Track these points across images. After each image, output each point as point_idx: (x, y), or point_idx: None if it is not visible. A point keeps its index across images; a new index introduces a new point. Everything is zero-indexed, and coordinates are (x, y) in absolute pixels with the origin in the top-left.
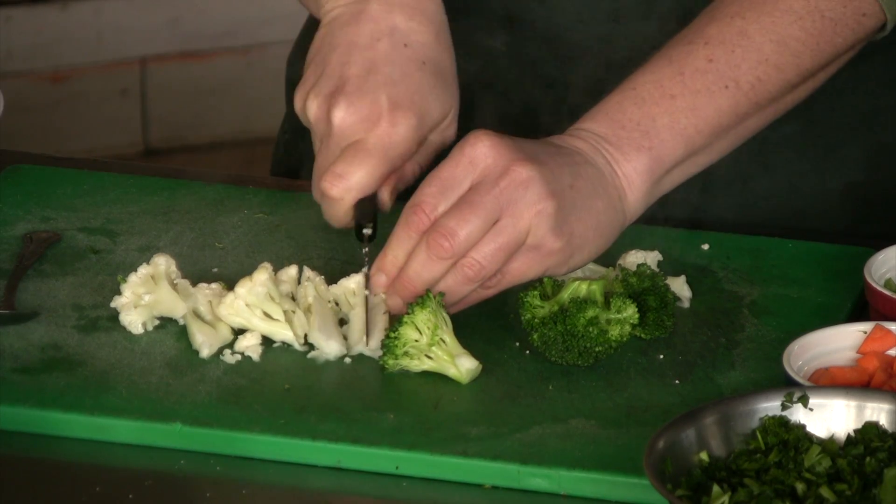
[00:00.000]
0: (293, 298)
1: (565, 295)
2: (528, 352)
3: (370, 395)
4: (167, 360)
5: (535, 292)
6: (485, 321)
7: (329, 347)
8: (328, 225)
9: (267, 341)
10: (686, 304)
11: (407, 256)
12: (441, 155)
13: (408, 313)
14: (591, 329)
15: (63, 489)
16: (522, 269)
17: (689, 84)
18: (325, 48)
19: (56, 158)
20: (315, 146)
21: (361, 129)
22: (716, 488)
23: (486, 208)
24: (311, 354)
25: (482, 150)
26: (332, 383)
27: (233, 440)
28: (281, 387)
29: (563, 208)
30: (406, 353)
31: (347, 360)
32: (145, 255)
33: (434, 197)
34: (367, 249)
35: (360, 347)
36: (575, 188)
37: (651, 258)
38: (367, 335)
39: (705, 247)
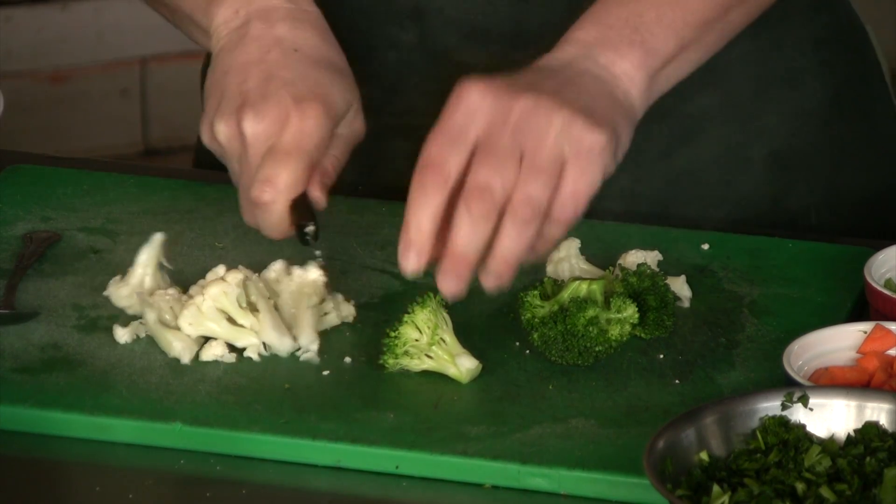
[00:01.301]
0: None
1: (565, 295)
2: (528, 352)
3: (370, 395)
4: (167, 360)
5: (536, 292)
6: (485, 321)
7: (283, 344)
8: (327, 224)
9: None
10: (686, 304)
11: (432, 221)
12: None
13: (408, 312)
14: (591, 329)
15: (63, 489)
16: (583, 180)
17: None
18: (218, 75)
19: (56, 158)
20: (233, 170)
21: (273, 131)
22: (716, 488)
23: (507, 151)
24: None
25: (476, 96)
26: (332, 383)
27: (233, 440)
28: (281, 386)
29: (583, 111)
30: (406, 353)
31: (347, 359)
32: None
33: (442, 151)
34: (319, 252)
35: (314, 346)
36: (581, 95)
37: (651, 258)
38: (296, 332)
39: (705, 247)
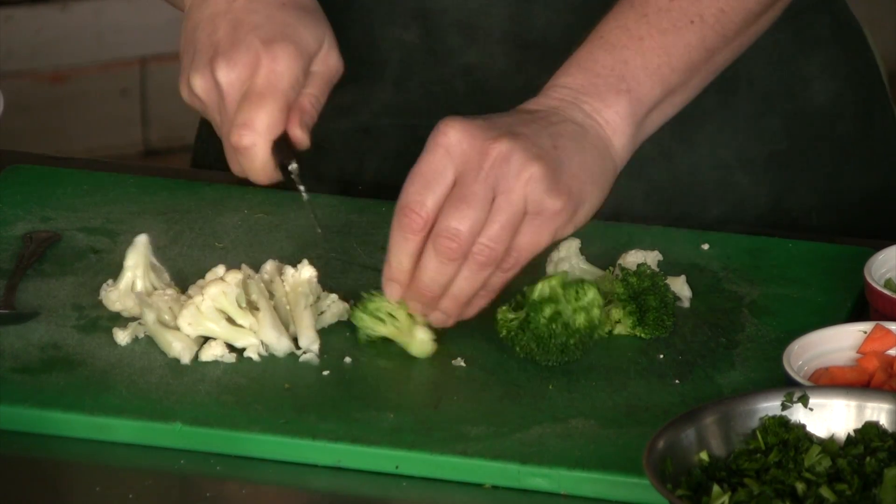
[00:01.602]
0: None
1: (533, 298)
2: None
3: (370, 395)
4: (167, 360)
5: (506, 307)
6: (485, 321)
7: (281, 345)
8: (327, 225)
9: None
10: (686, 304)
11: (411, 259)
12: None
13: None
14: (554, 326)
15: (63, 489)
16: (532, 239)
17: (654, 24)
18: (189, 31)
19: (56, 158)
20: (215, 122)
21: (246, 76)
22: (716, 488)
23: (478, 197)
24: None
25: (455, 138)
26: (332, 383)
27: (233, 440)
28: (281, 386)
29: (552, 168)
30: (376, 316)
31: (347, 359)
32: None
33: (420, 194)
34: (304, 188)
35: (314, 347)
36: (558, 147)
37: (651, 258)
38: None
39: (705, 247)
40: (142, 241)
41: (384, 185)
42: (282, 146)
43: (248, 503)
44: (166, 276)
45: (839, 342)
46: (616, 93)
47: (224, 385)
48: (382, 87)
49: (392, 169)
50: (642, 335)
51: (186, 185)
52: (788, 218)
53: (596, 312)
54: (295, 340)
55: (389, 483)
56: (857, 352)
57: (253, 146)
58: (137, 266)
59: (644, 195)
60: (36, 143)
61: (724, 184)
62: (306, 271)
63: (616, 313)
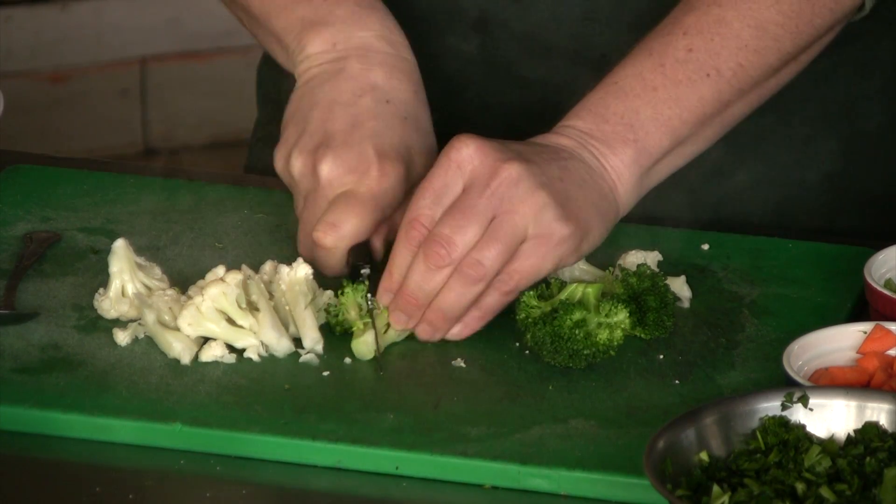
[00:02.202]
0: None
1: (560, 297)
2: (527, 352)
3: (370, 395)
4: (167, 360)
5: (533, 292)
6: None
7: (281, 345)
8: None
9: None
10: (686, 304)
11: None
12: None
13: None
14: (577, 332)
15: (63, 489)
16: (534, 263)
17: (670, 75)
18: (304, 106)
19: (56, 158)
20: (297, 204)
21: (350, 180)
22: (716, 488)
23: (478, 211)
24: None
25: (468, 154)
26: (332, 383)
27: (233, 440)
28: (281, 387)
29: (559, 197)
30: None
31: (347, 360)
32: (145, 254)
33: (429, 208)
34: (370, 295)
35: (318, 347)
36: (565, 181)
37: (651, 258)
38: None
39: (705, 247)
40: (120, 245)
41: None
42: (359, 249)
43: (247, 503)
44: (157, 270)
45: (839, 342)
46: (623, 142)
47: (224, 385)
48: (437, 96)
49: None
50: (642, 335)
51: (186, 185)
52: (767, 211)
53: (619, 334)
54: (297, 340)
55: (389, 483)
56: (857, 352)
57: (333, 248)
58: (123, 271)
59: (692, 210)
60: (36, 143)
61: (703, 179)
62: (302, 269)
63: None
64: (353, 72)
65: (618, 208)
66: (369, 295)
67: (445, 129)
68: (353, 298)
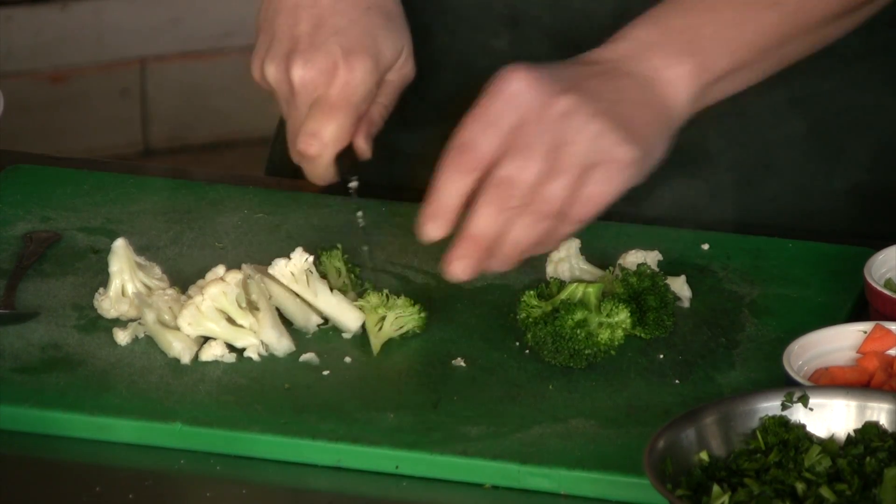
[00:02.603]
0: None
1: (561, 296)
2: (527, 352)
3: (370, 395)
4: (167, 360)
5: (534, 292)
6: (485, 321)
7: (281, 345)
8: (328, 225)
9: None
10: (686, 304)
11: (459, 199)
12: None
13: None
14: (578, 331)
15: (63, 489)
16: (602, 189)
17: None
18: (270, 14)
19: (56, 158)
20: (282, 109)
21: (321, 82)
22: (716, 488)
23: (538, 147)
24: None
25: (518, 86)
26: (332, 383)
27: (233, 440)
28: (281, 387)
29: (617, 122)
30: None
31: (347, 359)
32: (145, 254)
33: (478, 135)
34: (361, 214)
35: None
36: (622, 102)
37: (651, 258)
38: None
39: (705, 247)
40: (120, 245)
41: None
42: (346, 156)
43: (247, 503)
44: (157, 270)
45: (839, 342)
46: (681, 54)
47: (224, 385)
48: (466, 92)
49: None
50: (642, 335)
51: (186, 185)
52: (794, 219)
53: (619, 334)
54: (297, 340)
55: (389, 483)
56: (857, 352)
57: (318, 157)
58: (123, 270)
59: (721, 215)
60: (36, 143)
61: (730, 185)
62: (301, 258)
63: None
64: None
65: (673, 121)
66: (360, 213)
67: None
68: (330, 265)
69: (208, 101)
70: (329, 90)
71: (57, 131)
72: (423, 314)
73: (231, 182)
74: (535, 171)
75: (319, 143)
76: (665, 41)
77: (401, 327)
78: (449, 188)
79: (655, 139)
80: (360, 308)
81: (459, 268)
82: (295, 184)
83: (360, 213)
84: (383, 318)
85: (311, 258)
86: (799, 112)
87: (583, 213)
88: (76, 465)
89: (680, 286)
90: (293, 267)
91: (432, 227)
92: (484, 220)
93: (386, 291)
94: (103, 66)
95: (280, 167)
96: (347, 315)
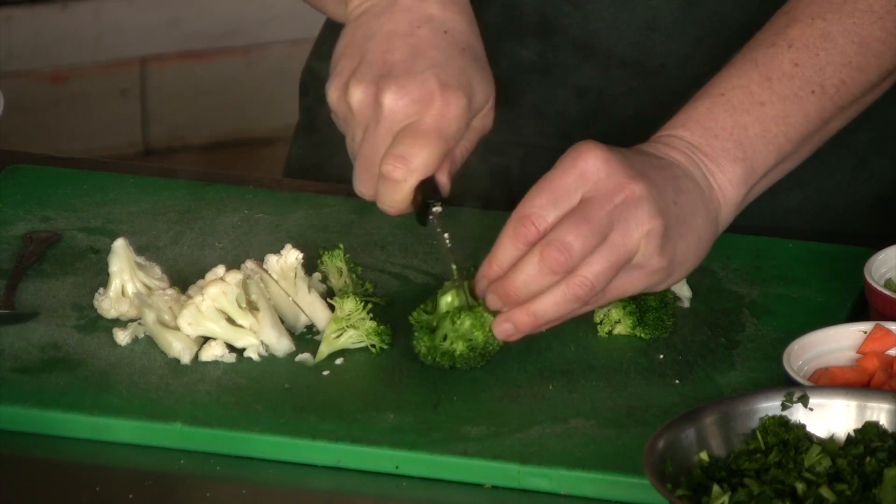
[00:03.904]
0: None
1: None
2: (527, 352)
3: (370, 395)
4: (167, 360)
5: (423, 333)
6: None
7: (281, 345)
8: (328, 225)
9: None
10: (686, 304)
11: (511, 263)
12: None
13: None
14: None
15: (63, 489)
16: (625, 286)
17: (777, 90)
18: (358, 39)
19: (56, 158)
20: (355, 136)
21: (414, 111)
22: (716, 488)
23: (600, 224)
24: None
25: (594, 164)
26: (332, 383)
27: (233, 440)
28: (281, 387)
29: (669, 227)
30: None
31: (339, 360)
32: (145, 254)
33: (544, 208)
34: (446, 234)
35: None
36: (678, 204)
37: None
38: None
39: None
40: (120, 245)
41: (489, 201)
42: (426, 187)
43: (247, 503)
44: (157, 270)
45: (839, 342)
46: (732, 160)
47: (224, 385)
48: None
49: (487, 184)
50: (642, 335)
51: (186, 185)
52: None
53: (478, 335)
54: (297, 340)
55: (389, 483)
56: (857, 352)
57: (402, 181)
58: (123, 270)
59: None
60: (36, 143)
61: (829, 221)
62: (292, 255)
63: (616, 313)
64: (407, 4)
65: (718, 228)
66: (446, 235)
67: (497, 135)
68: (332, 265)
69: (208, 101)
70: (423, 118)
71: (57, 131)
72: (384, 345)
73: (231, 182)
74: (589, 245)
75: (406, 168)
76: (714, 145)
77: (357, 342)
78: (505, 256)
79: (692, 251)
80: (332, 307)
81: (492, 301)
82: (295, 184)
83: (446, 235)
84: (343, 331)
85: (301, 255)
86: None
87: (597, 300)
88: (76, 465)
89: (680, 286)
90: (283, 263)
91: (483, 284)
92: (527, 276)
93: (369, 304)
94: (103, 66)
95: (297, 171)
96: (319, 314)
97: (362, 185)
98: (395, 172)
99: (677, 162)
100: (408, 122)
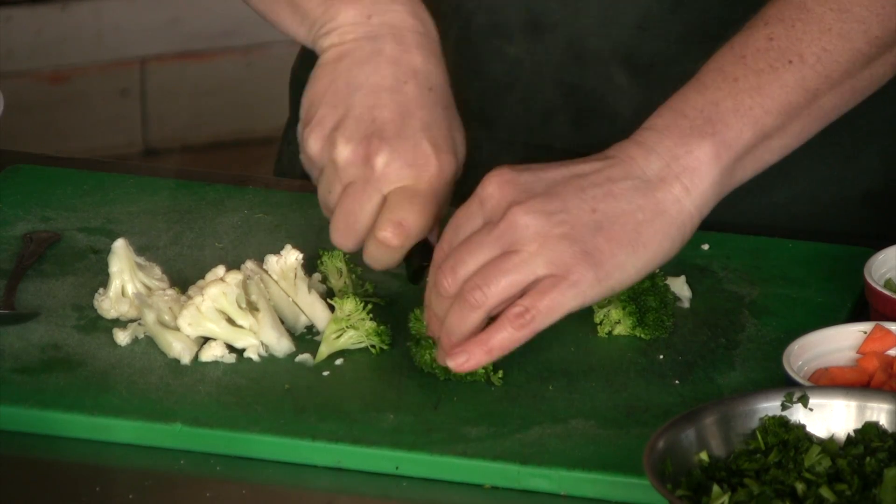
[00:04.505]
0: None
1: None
2: (528, 352)
3: (370, 395)
4: (167, 360)
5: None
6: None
7: (281, 345)
8: (328, 225)
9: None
10: (686, 304)
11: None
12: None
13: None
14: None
15: (63, 489)
16: (553, 302)
17: (751, 65)
18: (341, 87)
19: (56, 158)
20: (330, 187)
21: (407, 174)
22: (716, 488)
23: (485, 247)
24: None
25: (489, 190)
26: (332, 383)
27: (233, 440)
28: (281, 387)
29: (575, 236)
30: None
31: (339, 361)
32: (145, 254)
33: (448, 243)
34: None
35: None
36: (599, 211)
37: None
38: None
39: (705, 247)
40: (120, 245)
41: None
42: (417, 245)
43: (247, 503)
44: (157, 270)
45: (839, 342)
46: (699, 136)
47: (224, 385)
48: (479, 99)
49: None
50: (642, 335)
51: (186, 185)
52: (807, 225)
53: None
54: (296, 339)
55: (389, 483)
56: (857, 352)
57: (400, 247)
58: (123, 271)
59: (733, 223)
60: (36, 143)
61: (743, 191)
62: (291, 255)
63: (616, 313)
64: (391, 53)
65: (691, 214)
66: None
67: (486, 132)
68: (331, 265)
69: (208, 101)
70: (418, 183)
71: (57, 131)
72: (384, 345)
73: (231, 182)
74: (472, 266)
75: (404, 235)
76: (682, 125)
77: (357, 342)
78: (441, 309)
79: (632, 249)
80: (332, 307)
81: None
82: (295, 184)
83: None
84: (343, 331)
85: (301, 256)
86: None
87: (528, 320)
88: (76, 465)
89: (680, 286)
90: (283, 263)
91: (432, 331)
92: (431, 304)
93: (369, 304)
94: (103, 66)
95: (288, 168)
96: (319, 315)
97: (342, 238)
98: (393, 240)
99: (620, 162)
100: (399, 185)
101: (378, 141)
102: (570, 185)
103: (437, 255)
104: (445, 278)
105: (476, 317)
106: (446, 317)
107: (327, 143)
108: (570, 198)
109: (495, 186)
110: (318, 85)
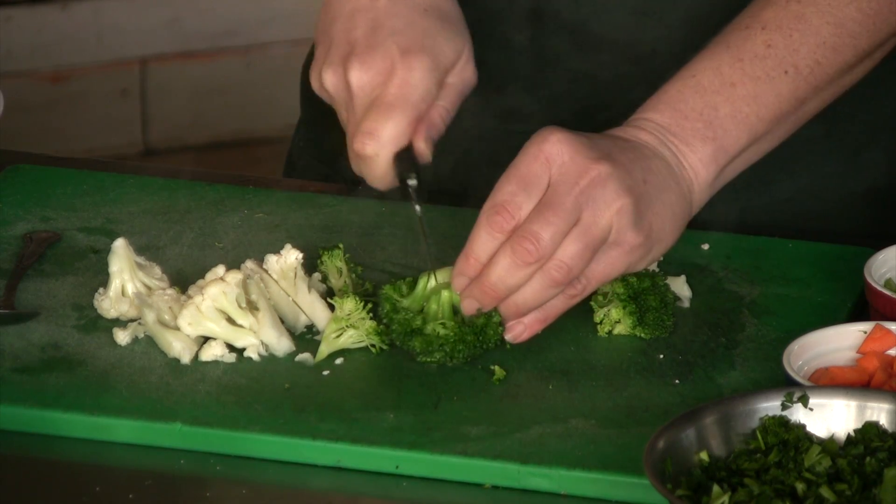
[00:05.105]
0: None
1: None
2: (527, 352)
3: (370, 395)
4: (167, 360)
5: (394, 286)
6: None
7: (281, 345)
8: (328, 224)
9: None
10: (686, 304)
11: (491, 256)
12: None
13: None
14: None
15: (63, 489)
16: (606, 269)
17: (748, 71)
18: (326, 23)
19: (56, 158)
20: (341, 117)
21: (379, 81)
22: (716, 488)
23: (567, 209)
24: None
25: (558, 148)
26: (332, 383)
27: (233, 440)
28: (281, 386)
29: (640, 203)
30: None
31: (339, 360)
32: (145, 254)
33: (515, 195)
34: (419, 207)
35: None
36: (648, 183)
37: None
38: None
39: (705, 247)
40: (120, 245)
41: (469, 185)
42: (404, 157)
43: (247, 503)
44: (157, 270)
45: (839, 342)
46: (702, 139)
47: (224, 385)
48: (483, 86)
49: (481, 172)
50: (642, 335)
51: (186, 185)
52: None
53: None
54: (297, 338)
55: (389, 483)
56: (857, 352)
57: (375, 156)
58: (123, 270)
59: (738, 220)
60: (36, 143)
61: (748, 187)
62: (291, 255)
63: (616, 313)
64: None
65: (692, 207)
66: (417, 207)
67: (489, 120)
68: (331, 265)
69: (208, 101)
70: (386, 89)
71: (57, 131)
72: (384, 345)
73: (231, 182)
74: (559, 231)
75: (376, 143)
76: (684, 126)
77: (357, 342)
78: (479, 248)
79: (669, 227)
80: (332, 307)
81: (469, 308)
82: (295, 184)
83: (418, 207)
84: (343, 331)
85: (301, 255)
86: (818, 114)
87: (582, 288)
88: (76, 465)
89: (680, 286)
90: (283, 263)
91: (461, 282)
92: (501, 271)
93: (369, 304)
94: (103, 66)
95: (299, 168)
96: (319, 314)
97: (353, 164)
98: (365, 149)
99: (646, 143)
100: (375, 94)
101: (350, 59)
102: (623, 153)
103: (503, 216)
104: (530, 245)
105: (557, 291)
106: (523, 288)
107: (320, 78)
108: (628, 164)
109: (561, 144)
110: (316, 30)
